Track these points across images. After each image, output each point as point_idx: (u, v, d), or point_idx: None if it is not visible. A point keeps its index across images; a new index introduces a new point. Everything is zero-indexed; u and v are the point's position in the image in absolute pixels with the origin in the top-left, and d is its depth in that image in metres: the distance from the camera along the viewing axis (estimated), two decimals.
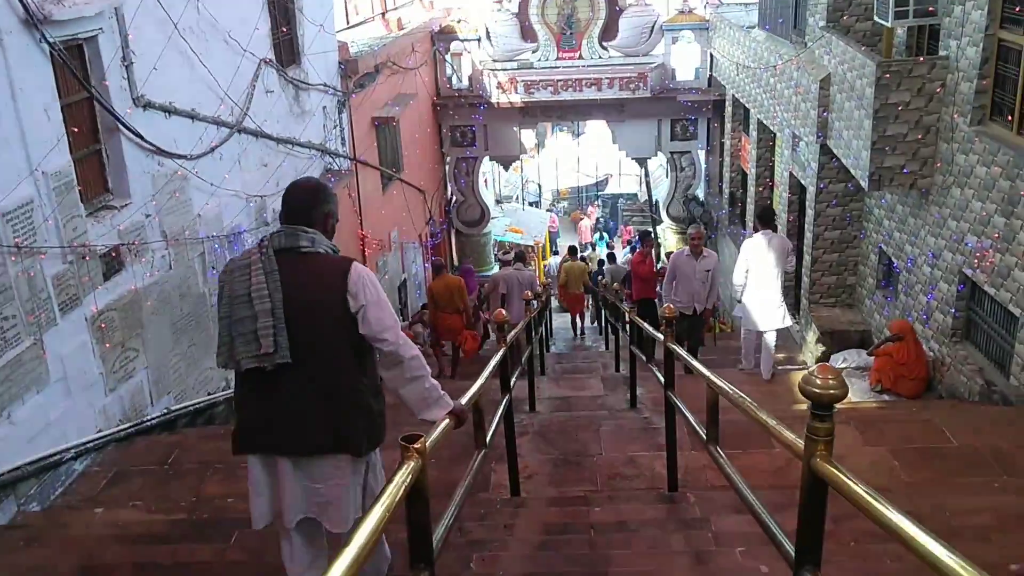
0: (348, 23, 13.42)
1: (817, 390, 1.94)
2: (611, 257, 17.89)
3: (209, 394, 7.51)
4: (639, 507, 4.87)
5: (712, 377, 3.37)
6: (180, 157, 7.16)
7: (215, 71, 7.71)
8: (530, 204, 28.35)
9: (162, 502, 5.21)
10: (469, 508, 4.79)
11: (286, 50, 9.85)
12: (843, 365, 9.46)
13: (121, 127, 6.36)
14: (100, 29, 6.08)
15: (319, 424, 2.87)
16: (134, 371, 6.42)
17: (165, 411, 6.68)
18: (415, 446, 2.09)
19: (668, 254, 12.06)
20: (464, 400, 3.26)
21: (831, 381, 1.93)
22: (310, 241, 2.90)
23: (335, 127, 11.19)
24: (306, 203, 2.97)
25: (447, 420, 2.95)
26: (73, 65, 5.79)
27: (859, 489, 1.84)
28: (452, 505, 2.95)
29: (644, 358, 7.20)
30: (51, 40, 5.43)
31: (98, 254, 6.01)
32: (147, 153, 6.73)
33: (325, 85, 10.81)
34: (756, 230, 8.64)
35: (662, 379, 5.17)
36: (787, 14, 12.00)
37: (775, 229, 8.80)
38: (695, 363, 4.25)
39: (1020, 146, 6.78)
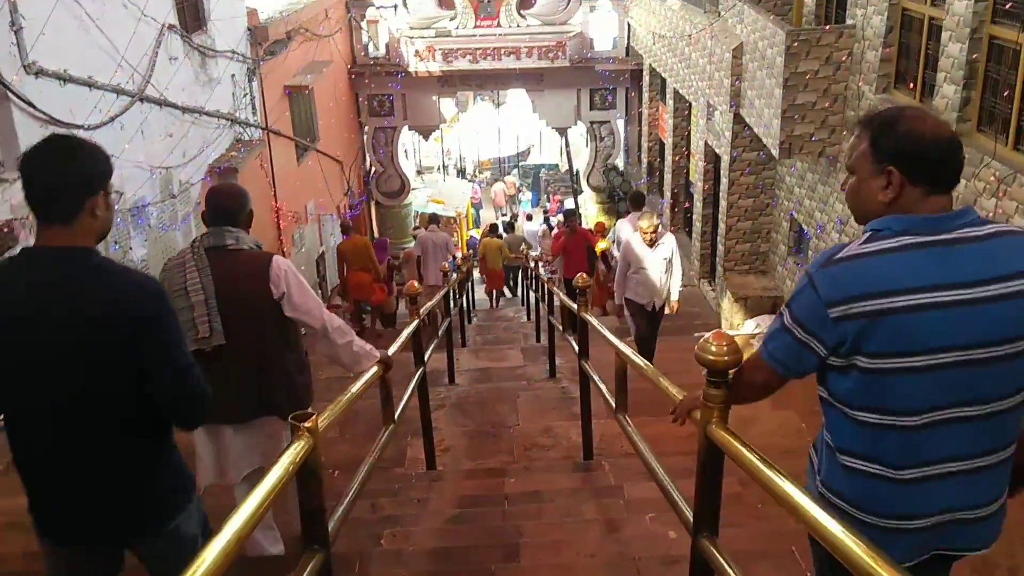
0: None
1: (711, 357, 1.93)
2: (510, 226, 18.28)
3: None
4: (554, 477, 4.89)
5: (620, 346, 3.37)
6: (76, 127, 6.84)
7: (113, 37, 7.38)
8: (458, 175, 28.18)
9: None
10: (383, 484, 4.75)
11: (191, 15, 9.49)
12: (756, 330, 9.67)
13: (10, 95, 6.03)
14: None
15: (251, 393, 3.31)
16: None
17: None
18: (306, 424, 2.02)
19: (596, 229, 11.89)
20: (391, 350, 3.74)
21: (724, 348, 1.93)
22: (235, 239, 3.30)
23: (245, 95, 10.86)
24: (231, 207, 3.36)
25: (375, 369, 3.43)
26: None
27: (751, 456, 1.85)
28: (354, 483, 2.88)
29: (561, 328, 7.20)
30: None
31: None
32: (40, 123, 6.40)
33: (233, 52, 10.47)
34: (627, 212, 8.75)
35: (576, 348, 5.19)
36: None
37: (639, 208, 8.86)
38: (604, 331, 4.26)
39: None
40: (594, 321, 4.62)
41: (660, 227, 7.05)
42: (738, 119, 10.33)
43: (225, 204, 3.35)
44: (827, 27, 8.37)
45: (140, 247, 7.90)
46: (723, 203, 11.19)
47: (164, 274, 3.30)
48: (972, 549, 1.97)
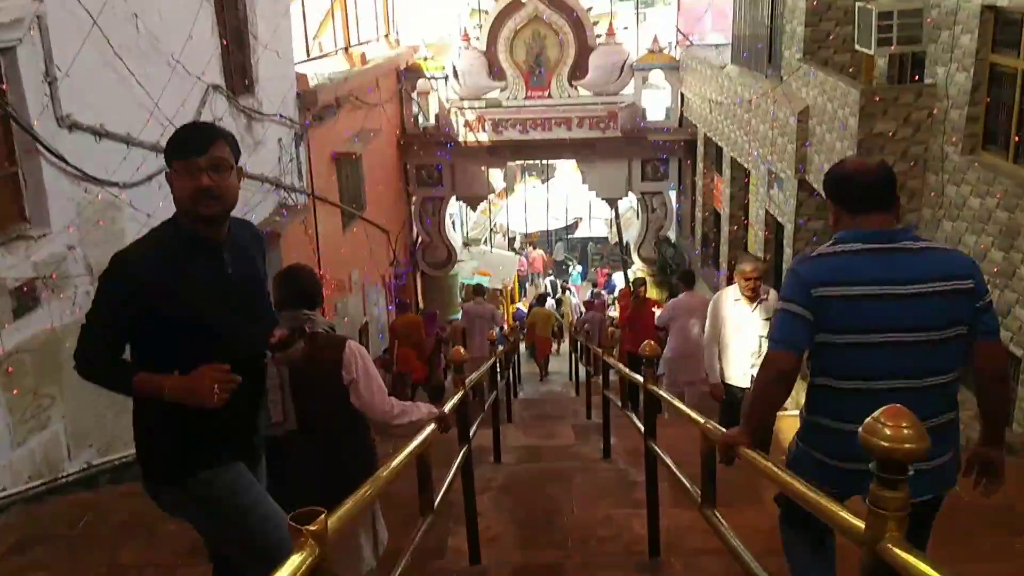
0: (308, 55, 12.91)
1: (886, 443, 1.36)
2: (542, 299, 18.59)
3: None
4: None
5: (712, 426, 2.80)
6: (112, 184, 6.54)
7: (155, 94, 7.13)
8: (510, 247, 27.99)
9: (71, 573, 4.52)
10: None
11: (238, 77, 9.30)
12: None
13: (41, 149, 5.74)
14: (18, 40, 5.48)
15: (326, 481, 3.11)
16: (48, 421, 5.71)
17: (85, 466, 5.96)
18: (310, 528, 1.49)
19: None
20: (447, 407, 3.67)
21: (905, 430, 1.35)
22: (312, 323, 3.27)
23: (291, 160, 10.62)
24: (309, 290, 3.36)
25: (423, 434, 3.18)
26: None
27: None
28: None
29: (620, 404, 6.60)
30: None
31: (7, 288, 5.34)
32: (72, 179, 6.10)
33: (280, 116, 10.26)
34: (680, 291, 8.55)
35: (641, 426, 4.59)
36: (761, 48, 11.69)
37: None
38: (681, 406, 3.68)
39: (1018, 175, 6.36)
40: (668, 396, 4.03)
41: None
42: (803, 185, 9.80)
43: (303, 287, 3.36)
44: (905, 85, 7.86)
45: None
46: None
47: None
48: (927, 494, 2.49)
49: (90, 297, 6.02)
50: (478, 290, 13.72)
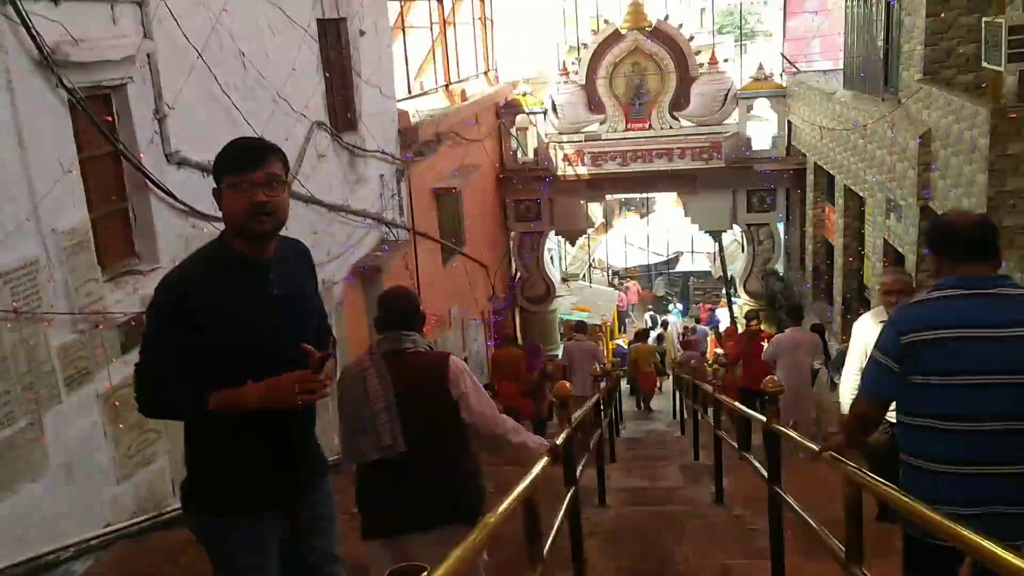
0: (410, 93, 13.04)
1: None
2: (644, 334, 18.17)
3: None
4: None
5: (862, 474, 2.47)
6: (218, 220, 6.57)
7: (261, 131, 7.19)
8: (611, 282, 27.71)
9: None
10: None
11: (342, 114, 9.38)
12: None
13: (151, 185, 5.81)
14: (129, 78, 5.58)
15: (438, 500, 3.15)
16: (154, 456, 5.71)
17: None
18: None
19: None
20: (559, 439, 3.66)
21: None
22: (412, 343, 3.30)
23: (392, 196, 10.64)
24: (409, 312, 3.39)
25: (538, 467, 3.02)
26: (96, 115, 5.27)
27: None
28: None
29: (736, 446, 6.22)
30: (69, 85, 4.91)
31: (116, 323, 5.38)
32: (180, 214, 6.16)
33: (383, 152, 10.30)
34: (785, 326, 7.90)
35: (764, 470, 4.24)
36: (876, 71, 11.18)
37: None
38: (811, 446, 3.33)
39: None
40: (797, 436, 3.69)
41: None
42: (925, 213, 9.22)
43: (403, 308, 3.40)
44: None
45: None
46: None
47: (343, 383, 3.33)
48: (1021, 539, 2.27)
49: None
50: (579, 327, 13.54)
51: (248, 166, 2.31)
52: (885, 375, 2.64)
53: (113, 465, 5.31)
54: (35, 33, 4.60)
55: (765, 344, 9.77)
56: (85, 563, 4.88)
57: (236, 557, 2.52)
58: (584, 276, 27.06)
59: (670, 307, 26.38)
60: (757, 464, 4.72)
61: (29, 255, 4.65)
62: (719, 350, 15.11)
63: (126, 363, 5.45)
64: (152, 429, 5.68)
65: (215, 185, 2.38)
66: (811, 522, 3.21)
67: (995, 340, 2.47)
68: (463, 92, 14.80)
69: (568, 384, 4.17)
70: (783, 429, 3.92)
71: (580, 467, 4.96)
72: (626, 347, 18.93)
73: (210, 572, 4.81)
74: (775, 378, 4.24)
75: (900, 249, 10.25)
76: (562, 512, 3.86)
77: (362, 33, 9.74)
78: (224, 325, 2.31)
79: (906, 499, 2.23)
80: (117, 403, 5.31)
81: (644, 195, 19.06)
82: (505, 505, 2.49)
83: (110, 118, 5.55)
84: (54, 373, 4.81)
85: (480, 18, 17.44)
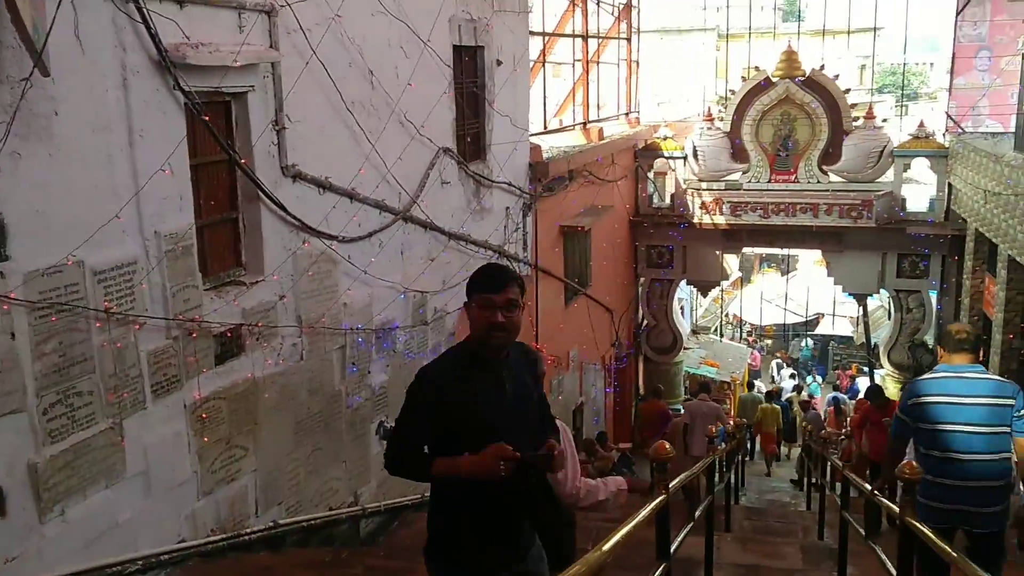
0: (546, 128, 12.83)
1: None
2: (773, 395, 17.58)
3: (331, 509, 6.51)
4: None
5: None
6: (331, 238, 6.45)
7: (384, 152, 7.05)
8: (747, 340, 26.68)
9: None
10: None
11: (471, 142, 9.20)
12: None
13: (263, 196, 5.70)
14: (251, 87, 5.51)
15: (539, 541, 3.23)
16: (239, 473, 5.53)
17: (271, 524, 5.71)
18: None
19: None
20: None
21: None
22: None
23: (516, 229, 10.37)
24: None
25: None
26: (213, 121, 5.20)
27: None
28: None
29: (863, 532, 5.51)
30: (186, 88, 4.85)
31: (212, 333, 5.25)
32: (292, 229, 6.04)
33: (510, 184, 10.06)
34: None
35: (894, 570, 3.61)
36: None
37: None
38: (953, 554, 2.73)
39: None
40: (936, 538, 3.06)
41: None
42: None
43: None
44: None
45: (381, 372, 7.30)
46: None
47: None
48: (985, 529, 4.02)
49: (297, 349, 5.87)
50: (704, 387, 13.07)
51: (492, 290, 2.78)
52: (901, 425, 4.33)
53: (195, 479, 5.15)
54: (154, 33, 4.54)
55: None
56: None
57: None
58: (716, 331, 26.10)
59: (807, 379, 24.85)
60: (884, 558, 4.07)
61: (127, 255, 4.57)
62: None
63: (218, 374, 5.32)
64: (239, 446, 5.51)
65: (466, 300, 2.85)
66: None
67: (964, 405, 4.04)
68: (600, 131, 14.47)
69: (668, 445, 3.65)
70: (917, 525, 3.29)
71: (679, 539, 4.43)
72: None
73: None
74: (914, 463, 3.60)
75: None
76: None
77: (499, 63, 9.56)
78: (469, 413, 2.77)
79: None
80: (205, 415, 5.16)
81: (784, 250, 18.04)
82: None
83: (228, 126, 5.48)
84: (141, 378, 4.69)
85: (626, 59, 17.14)
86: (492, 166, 9.59)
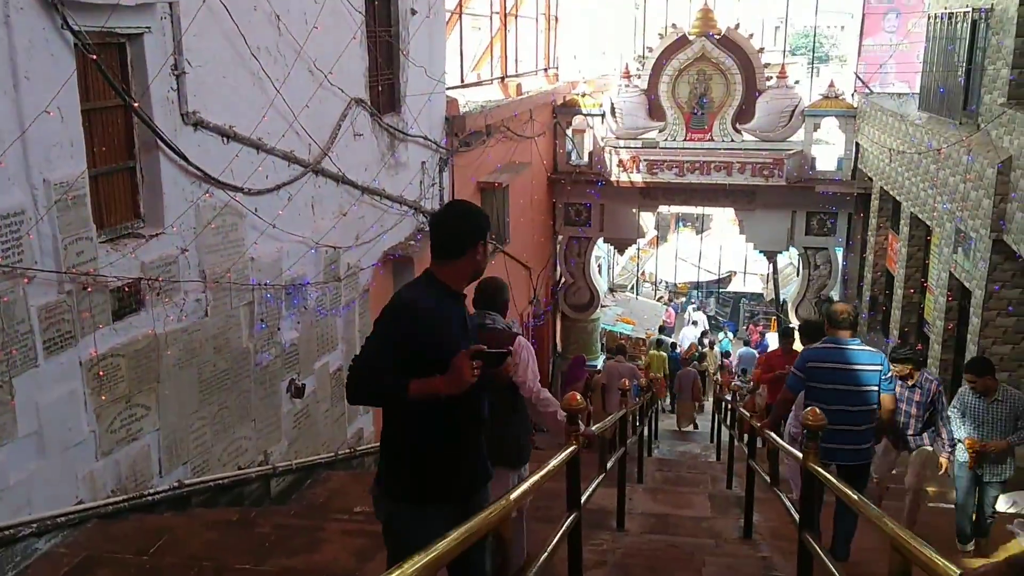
0: (463, 82, 12.62)
1: None
2: (660, 343, 19.12)
3: (239, 468, 6.38)
4: None
5: (909, 541, 1.95)
6: (236, 189, 6.22)
7: (292, 101, 6.81)
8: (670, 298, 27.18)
9: None
10: None
11: (384, 94, 8.99)
12: (1012, 510, 7.68)
13: (162, 145, 5.45)
14: (148, 28, 5.22)
15: (496, 443, 3.48)
16: (140, 433, 5.34)
17: (176, 485, 5.55)
18: None
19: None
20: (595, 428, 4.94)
21: None
22: (492, 320, 4.29)
23: (433, 185, 10.23)
24: (492, 297, 4.39)
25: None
26: (107, 64, 4.92)
27: None
28: None
29: (768, 479, 5.67)
30: (75, 28, 4.56)
31: (109, 287, 5.02)
32: (194, 179, 5.80)
33: (426, 138, 9.89)
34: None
35: (796, 515, 3.70)
36: (955, 93, 10.48)
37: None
38: (856, 497, 2.81)
39: None
40: (838, 483, 3.14)
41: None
42: (999, 247, 8.52)
43: (487, 294, 4.38)
44: None
45: (291, 329, 7.13)
46: (972, 347, 9.24)
47: None
48: (853, 462, 5.03)
49: (201, 305, 5.67)
50: (620, 349, 13.38)
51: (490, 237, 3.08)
52: (797, 380, 5.31)
53: (93, 438, 4.94)
54: None
55: None
56: (49, 541, 4.53)
57: (414, 542, 2.49)
58: (632, 288, 26.45)
59: (719, 335, 25.45)
60: (788, 504, 4.18)
61: (13, 204, 4.31)
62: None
63: (116, 331, 5.11)
64: (141, 404, 5.32)
65: (470, 245, 3.04)
66: None
67: (843, 370, 5.13)
68: (519, 87, 14.33)
69: (578, 396, 3.66)
70: (820, 470, 3.37)
71: (590, 490, 4.47)
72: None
73: (178, 568, 4.43)
74: (817, 411, 3.69)
75: (967, 284, 9.53)
76: (558, 536, 3.37)
77: (413, 12, 9.34)
78: (443, 339, 2.91)
79: None
80: (102, 373, 4.95)
81: (699, 209, 18.36)
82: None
83: (123, 70, 5.20)
84: (31, 335, 4.45)
85: (544, 14, 16.99)
86: (407, 119, 9.40)
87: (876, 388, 5.11)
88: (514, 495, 2.69)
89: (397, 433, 2.98)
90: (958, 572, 1.89)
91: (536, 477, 2.88)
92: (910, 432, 6.19)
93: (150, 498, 5.28)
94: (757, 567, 5.14)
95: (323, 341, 7.76)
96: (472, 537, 2.18)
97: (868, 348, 5.34)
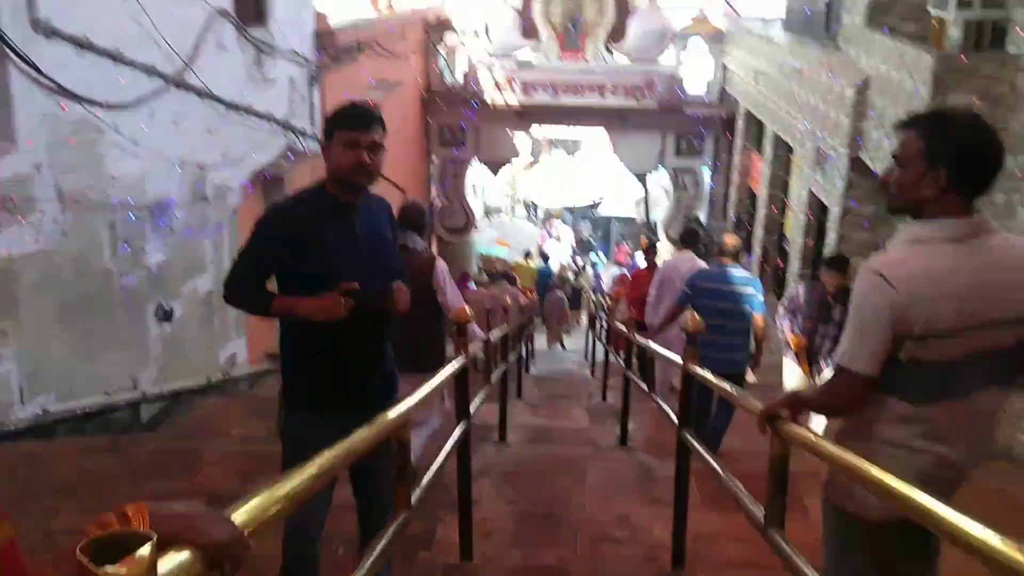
0: None
1: None
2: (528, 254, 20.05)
3: (106, 394, 6.13)
4: None
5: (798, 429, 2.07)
6: (94, 103, 5.83)
7: (152, 10, 6.38)
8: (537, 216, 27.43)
9: None
10: None
11: (250, 6, 8.55)
12: None
13: (11, 54, 5.02)
14: None
15: (406, 353, 3.42)
16: None
17: (39, 413, 5.30)
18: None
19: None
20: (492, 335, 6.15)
21: None
22: (412, 242, 4.50)
23: (303, 102, 9.88)
24: (412, 218, 4.56)
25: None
26: None
27: None
28: None
29: (646, 388, 5.90)
30: None
31: None
32: (47, 92, 5.39)
33: (295, 53, 9.51)
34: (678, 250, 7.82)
35: (675, 417, 3.88)
36: (818, 16, 10.83)
37: (698, 253, 7.50)
38: (734, 392, 2.96)
39: None
40: (718, 381, 3.29)
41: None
42: (856, 165, 8.98)
43: (407, 215, 4.53)
44: (985, 54, 7.03)
45: (157, 251, 6.83)
46: None
47: None
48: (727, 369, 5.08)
49: (59, 226, 5.35)
50: (503, 276, 13.55)
51: (360, 128, 2.68)
52: (686, 296, 5.75)
53: None
54: None
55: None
56: None
57: (303, 450, 2.29)
58: (507, 211, 26.57)
59: (592, 258, 26.02)
60: (668, 409, 4.37)
61: None
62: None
63: None
64: None
65: (324, 141, 2.76)
66: (736, 490, 2.81)
67: (722, 292, 5.60)
68: (390, 3, 13.92)
69: (467, 308, 3.69)
70: (701, 372, 3.53)
71: (477, 403, 4.54)
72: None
73: (52, 495, 4.26)
74: (696, 315, 3.85)
75: (825, 201, 10.03)
76: (449, 446, 3.42)
77: None
78: (314, 255, 2.72)
79: (862, 467, 1.80)
80: None
81: (573, 126, 18.47)
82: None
83: None
84: None
85: None
86: (275, 33, 9.00)
87: (750, 309, 5.60)
88: (408, 403, 2.63)
89: (288, 341, 2.89)
90: (819, 435, 2.06)
91: (430, 386, 2.89)
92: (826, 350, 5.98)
93: (12, 427, 5.04)
94: (635, 469, 5.38)
95: (192, 264, 7.48)
96: (366, 443, 2.15)
97: (747, 274, 5.76)
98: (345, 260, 2.73)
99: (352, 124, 2.69)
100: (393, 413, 2.24)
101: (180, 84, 7.00)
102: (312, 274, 2.70)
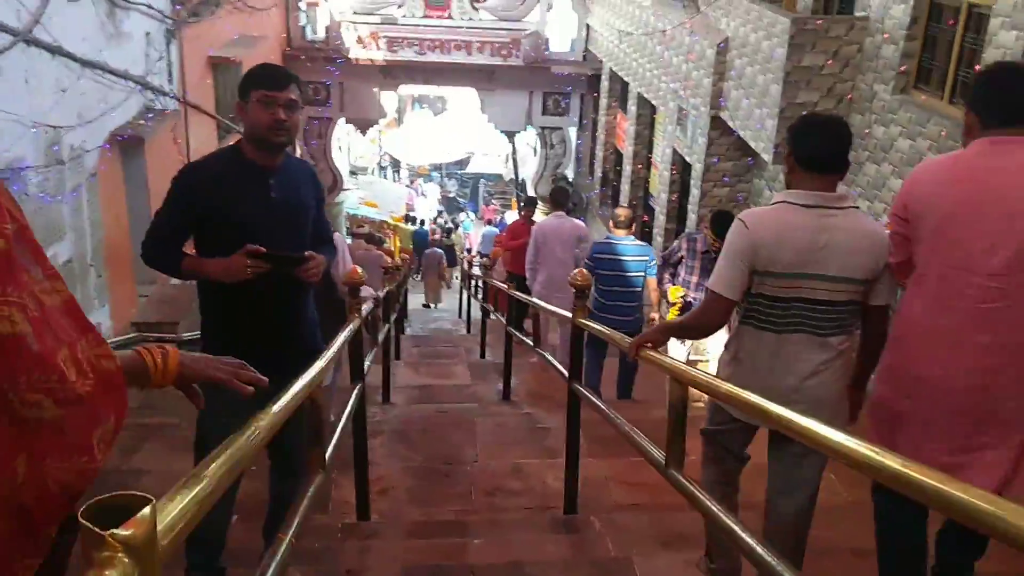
0: None
1: None
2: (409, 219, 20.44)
3: None
4: (533, 538, 3.68)
5: (684, 368, 2.21)
6: None
7: None
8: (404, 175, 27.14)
9: None
10: (298, 542, 3.46)
11: None
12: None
13: None
14: None
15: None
16: None
17: None
18: (122, 532, 0.80)
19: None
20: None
21: None
22: None
23: (160, 59, 9.41)
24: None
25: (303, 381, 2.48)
26: None
27: None
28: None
29: (531, 343, 6.04)
30: None
31: None
32: None
33: (149, 7, 9.03)
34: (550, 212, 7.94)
35: (564, 371, 4.01)
36: None
37: (568, 212, 7.81)
38: (625, 341, 3.10)
39: (954, 116, 6.02)
40: (607, 331, 3.43)
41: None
42: (715, 124, 9.36)
43: None
44: (836, 16, 7.44)
45: None
46: (692, 216, 10.19)
47: None
48: (625, 329, 4.15)
49: None
50: (370, 240, 13.35)
51: (276, 87, 2.67)
52: (588, 267, 5.69)
53: None
54: None
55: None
56: None
57: (220, 416, 2.27)
58: (373, 171, 26.22)
59: (460, 215, 26.07)
60: (556, 363, 4.50)
61: None
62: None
63: None
64: None
65: (240, 100, 2.72)
66: (635, 435, 2.96)
67: (621, 259, 5.98)
68: None
69: (359, 269, 3.69)
70: (592, 325, 3.66)
71: (368, 362, 4.55)
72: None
73: None
74: (585, 271, 3.98)
75: (688, 159, 10.42)
76: (348, 410, 3.44)
77: None
78: (226, 215, 2.70)
79: (742, 394, 1.98)
80: None
81: (440, 87, 18.36)
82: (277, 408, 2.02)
83: None
84: None
85: None
86: None
87: (643, 274, 6.05)
88: (319, 364, 2.62)
89: (204, 303, 2.88)
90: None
91: (336, 345, 2.90)
92: None
93: None
94: (522, 422, 5.52)
95: (49, 230, 7.06)
96: (287, 411, 2.12)
97: (639, 243, 6.23)
98: (256, 223, 2.70)
99: (268, 83, 2.69)
100: (307, 376, 2.24)
101: (29, 39, 6.56)
102: (224, 236, 2.68)
